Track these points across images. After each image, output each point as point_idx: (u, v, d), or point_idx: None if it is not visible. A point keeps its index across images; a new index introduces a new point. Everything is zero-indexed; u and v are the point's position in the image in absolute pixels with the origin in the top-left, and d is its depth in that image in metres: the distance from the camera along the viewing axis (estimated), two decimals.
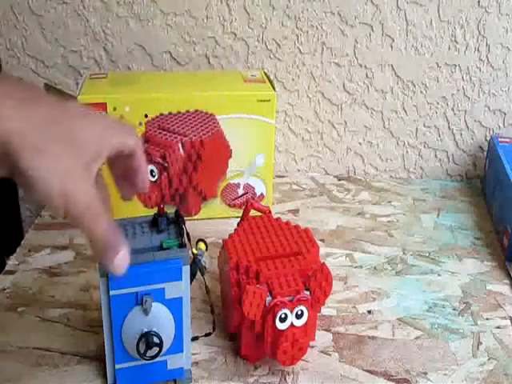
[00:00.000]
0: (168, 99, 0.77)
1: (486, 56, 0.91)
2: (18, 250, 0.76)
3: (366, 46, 0.91)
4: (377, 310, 0.69)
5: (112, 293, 0.51)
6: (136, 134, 0.50)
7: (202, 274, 0.60)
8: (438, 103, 0.94)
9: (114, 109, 0.75)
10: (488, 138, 0.96)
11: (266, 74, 0.84)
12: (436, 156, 0.98)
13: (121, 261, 0.46)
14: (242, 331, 0.59)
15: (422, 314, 0.68)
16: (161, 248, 0.53)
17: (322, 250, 0.76)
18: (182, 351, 0.56)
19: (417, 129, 0.96)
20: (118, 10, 0.89)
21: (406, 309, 0.69)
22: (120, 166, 0.52)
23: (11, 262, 0.73)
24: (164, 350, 0.54)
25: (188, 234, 0.55)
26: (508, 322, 0.68)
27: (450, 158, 0.98)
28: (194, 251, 0.62)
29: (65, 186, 0.42)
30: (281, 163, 0.98)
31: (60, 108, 0.45)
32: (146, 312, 0.52)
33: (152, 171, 0.78)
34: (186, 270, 0.53)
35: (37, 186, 0.41)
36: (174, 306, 0.53)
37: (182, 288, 0.53)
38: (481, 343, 0.64)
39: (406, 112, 0.95)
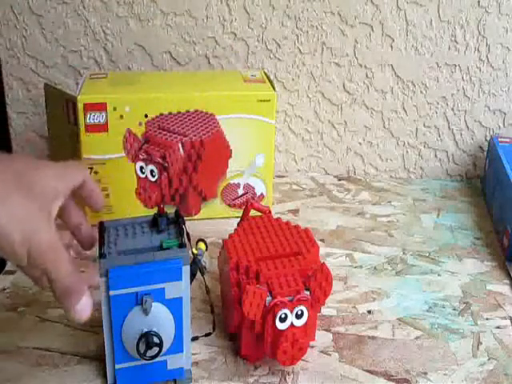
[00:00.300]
0: (168, 99, 0.77)
1: (486, 56, 0.91)
2: None
3: (365, 46, 0.91)
4: (377, 310, 0.69)
5: (112, 293, 0.51)
6: (83, 167, 0.56)
7: (202, 274, 0.60)
8: (437, 103, 0.94)
9: (114, 109, 0.75)
10: (488, 138, 0.96)
11: (266, 74, 0.84)
12: (436, 156, 0.98)
13: (83, 306, 0.47)
14: (242, 331, 0.59)
15: (422, 314, 0.68)
16: (161, 248, 0.53)
17: (322, 250, 0.76)
18: (181, 351, 0.56)
19: (417, 129, 0.96)
20: (118, 9, 0.89)
21: (405, 309, 0.69)
22: (77, 195, 0.54)
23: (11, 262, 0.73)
24: (164, 349, 0.54)
25: (188, 233, 0.55)
26: (508, 321, 0.68)
27: (450, 158, 0.98)
28: (194, 251, 0.62)
29: (26, 228, 0.43)
30: (281, 163, 0.98)
31: (12, 162, 0.47)
32: (145, 312, 0.52)
33: (152, 171, 0.78)
34: (186, 270, 0.53)
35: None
36: (174, 306, 0.53)
37: (181, 288, 0.53)
38: (481, 343, 0.64)
39: (405, 112, 0.95)
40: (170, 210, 0.56)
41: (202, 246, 0.71)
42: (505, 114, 0.95)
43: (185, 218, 0.56)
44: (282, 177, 0.96)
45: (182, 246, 0.53)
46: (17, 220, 0.43)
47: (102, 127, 0.75)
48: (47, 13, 0.89)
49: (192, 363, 0.58)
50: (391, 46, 0.91)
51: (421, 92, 0.93)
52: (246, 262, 0.58)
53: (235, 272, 0.59)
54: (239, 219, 0.67)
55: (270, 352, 0.57)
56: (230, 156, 0.81)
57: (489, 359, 0.62)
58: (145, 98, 0.76)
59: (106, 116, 0.75)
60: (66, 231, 0.55)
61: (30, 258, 0.44)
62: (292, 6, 0.88)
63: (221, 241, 0.63)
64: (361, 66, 0.92)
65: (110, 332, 0.53)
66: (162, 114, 0.77)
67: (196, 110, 0.77)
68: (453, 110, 0.94)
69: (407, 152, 0.97)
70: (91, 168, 0.76)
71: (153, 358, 0.53)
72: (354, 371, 0.60)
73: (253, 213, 0.67)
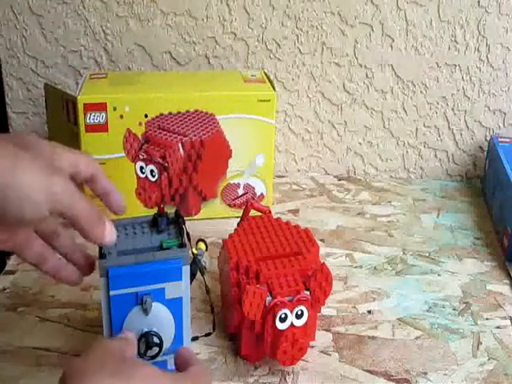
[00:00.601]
0: (168, 99, 0.77)
1: (486, 56, 0.91)
2: None
3: (366, 46, 0.91)
4: (377, 310, 0.69)
5: (112, 293, 0.51)
6: (94, 159, 0.54)
7: (202, 274, 0.60)
8: (437, 103, 0.94)
9: (114, 109, 0.75)
10: (488, 138, 0.96)
11: (266, 74, 0.84)
12: (436, 156, 0.98)
13: (110, 229, 0.50)
14: (242, 331, 0.59)
15: (422, 314, 0.68)
16: (161, 248, 0.53)
17: (322, 250, 0.76)
18: None
19: (417, 129, 0.96)
20: (118, 9, 0.89)
21: (405, 309, 0.69)
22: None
23: (11, 262, 0.73)
24: (164, 349, 0.54)
25: (188, 233, 0.55)
26: (508, 321, 0.68)
27: (450, 158, 0.98)
28: (194, 251, 0.62)
29: (44, 184, 0.45)
30: (281, 163, 0.98)
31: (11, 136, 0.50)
32: (146, 312, 0.52)
33: (152, 171, 0.78)
34: (186, 270, 0.53)
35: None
36: (174, 306, 0.53)
37: (182, 288, 0.53)
38: (481, 343, 0.64)
39: (406, 112, 0.95)
40: (170, 210, 0.56)
41: (202, 246, 0.71)
42: (505, 114, 0.95)
43: (185, 218, 0.56)
44: (282, 177, 0.96)
45: (182, 245, 0.53)
46: (35, 180, 0.44)
47: (102, 127, 0.75)
48: (47, 13, 0.89)
49: None
50: (391, 46, 0.91)
51: (421, 92, 0.93)
52: (245, 262, 0.58)
53: (235, 272, 0.59)
54: (239, 219, 0.67)
55: (269, 352, 0.57)
56: (230, 156, 0.81)
57: (489, 359, 0.62)
58: (145, 97, 0.76)
59: (106, 116, 0.75)
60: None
61: (52, 207, 0.46)
62: (292, 6, 0.88)
63: (221, 241, 0.63)
64: (361, 66, 0.92)
65: (110, 332, 0.53)
66: (161, 114, 0.77)
67: (196, 110, 0.77)
68: (453, 110, 0.94)
69: (407, 152, 0.97)
70: None
71: (153, 357, 0.53)
72: (353, 371, 0.60)
73: (253, 213, 0.67)
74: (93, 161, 0.53)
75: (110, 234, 0.50)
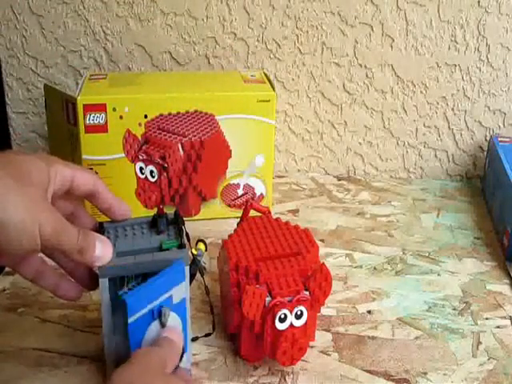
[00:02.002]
0: (168, 100, 0.77)
1: (486, 56, 0.91)
2: None
3: (366, 45, 0.91)
4: (377, 310, 0.69)
5: (131, 319, 0.49)
6: (93, 173, 0.54)
7: (202, 275, 0.60)
8: (437, 103, 0.94)
9: (114, 109, 0.75)
10: (488, 138, 0.96)
11: (265, 74, 0.84)
12: (436, 156, 0.98)
13: (101, 252, 0.50)
14: (242, 331, 0.59)
15: (422, 314, 0.68)
16: (160, 249, 0.53)
17: (322, 250, 0.76)
18: None
19: (417, 129, 0.96)
20: (118, 9, 0.89)
21: (405, 309, 0.69)
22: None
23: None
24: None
25: (187, 234, 0.55)
26: (508, 321, 0.68)
27: (450, 158, 0.98)
28: (194, 252, 0.62)
29: (32, 213, 0.45)
30: (281, 163, 0.98)
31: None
32: (163, 324, 0.51)
33: (152, 172, 0.78)
34: (187, 271, 0.53)
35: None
36: (180, 308, 0.53)
37: (184, 289, 0.53)
38: (481, 343, 0.64)
39: (405, 112, 0.95)
40: (170, 211, 0.56)
41: (201, 246, 0.71)
42: (505, 114, 0.95)
43: (184, 219, 0.56)
44: (282, 177, 0.96)
45: (181, 246, 0.53)
46: (22, 208, 0.45)
47: (102, 128, 0.75)
48: (47, 13, 0.89)
49: (192, 363, 0.58)
50: (391, 46, 0.91)
51: (421, 92, 0.93)
52: (245, 262, 0.58)
53: (235, 272, 0.59)
54: (239, 219, 0.67)
55: (269, 352, 0.57)
56: (230, 156, 0.81)
57: (489, 359, 0.62)
58: (144, 98, 0.76)
59: (106, 117, 0.75)
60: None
61: (43, 240, 0.46)
62: (292, 6, 0.88)
63: (220, 241, 0.63)
64: (361, 66, 0.92)
65: (110, 332, 0.53)
66: (161, 115, 0.77)
67: (196, 111, 0.78)
68: (453, 109, 0.94)
69: (407, 152, 0.97)
70: (91, 169, 0.76)
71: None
72: (353, 371, 0.60)
73: (252, 213, 0.67)
74: (90, 175, 0.53)
75: (102, 258, 0.50)
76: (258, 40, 0.91)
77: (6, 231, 0.44)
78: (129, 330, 0.49)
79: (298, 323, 0.57)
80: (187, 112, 0.77)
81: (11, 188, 0.45)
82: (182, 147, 0.78)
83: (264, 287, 0.56)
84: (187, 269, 0.53)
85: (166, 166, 0.78)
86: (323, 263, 0.57)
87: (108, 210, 0.54)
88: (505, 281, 0.74)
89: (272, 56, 0.91)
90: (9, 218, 0.44)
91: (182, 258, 0.52)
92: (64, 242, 0.47)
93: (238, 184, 0.83)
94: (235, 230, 0.64)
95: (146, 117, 0.76)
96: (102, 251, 0.50)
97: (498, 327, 0.67)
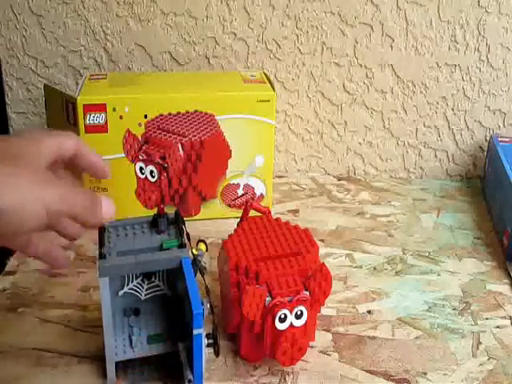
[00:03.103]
0: (168, 100, 0.77)
1: (486, 56, 0.91)
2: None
3: (366, 46, 0.91)
4: (377, 310, 0.69)
5: (196, 332, 0.50)
6: (75, 137, 0.54)
7: (202, 275, 0.60)
8: (437, 103, 0.94)
9: (114, 109, 0.75)
10: (488, 138, 0.96)
11: (265, 74, 0.84)
12: (436, 156, 0.98)
13: (106, 207, 0.50)
14: (242, 331, 0.59)
15: (422, 314, 0.68)
16: (161, 248, 0.53)
17: (322, 250, 0.76)
18: None
19: (417, 129, 0.96)
20: (118, 9, 0.89)
21: (405, 309, 0.69)
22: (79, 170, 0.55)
23: (11, 263, 0.73)
24: None
25: (188, 234, 0.55)
26: (508, 321, 0.68)
27: (450, 157, 0.98)
28: (194, 252, 0.62)
29: (36, 195, 0.45)
30: (281, 163, 0.98)
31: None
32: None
33: (152, 172, 0.78)
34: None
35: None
36: None
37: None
38: (481, 343, 0.64)
39: (405, 112, 0.95)
40: (170, 211, 0.56)
41: (202, 246, 0.71)
42: (505, 114, 0.95)
43: (184, 219, 0.56)
44: (282, 177, 0.96)
45: (182, 246, 0.53)
46: (21, 192, 0.45)
47: (102, 128, 0.75)
48: (47, 13, 0.89)
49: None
50: (391, 46, 0.91)
51: (421, 92, 0.93)
52: (245, 262, 0.58)
53: (235, 272, 0.59)
54: (239, 219, 0.67)
55: (269, 352, 0.57)
56: (230, 156, 0.81)
57: (489, 359, 0.62)
58: (144, 98, 0.76)
59: (106, 117, 0.75)
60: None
61: (54, 212, 0.46)
62: (292, 6, 0.88)
63: (220, 241, 0.63)
64: (361, 66, 0.92)
65: (110, 332, 0.53)
66: (161, 115, 0.77)
67: (196, 111, 0.78)
68: (453, 109, 0.94)
69: (407, 152, 0.97)
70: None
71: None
72: (353, 371, 0.60)
73: (252, 213, 0.67)
74: (72, 138, 0.53)
75: (106, 214, 0.51)
76: (258, 40, 0.91)
77: (7, 218, 0.44)
78: (195, 341, 0.50)
79: (298, 323, 0.57)
80: (187, 112, 0.77)
81: (6, 175, 0.45)
82: (182, 147, 0.78)
83: (264, 287, 0.56)
84: None
85: (166, 165, 0.78)
86: (323, 263, 0.57)
87: (90, 167, 0.55)
88: (505, 281, 0.74)
89: (272, 56, 0.91)
90: (9, 204, 0.44)
91: (186, 256, 0.52)
92: (76, 205, 0.48)
93: (237, 184, 0.83)
94: (235, 230, 0.64)
95: (145, 117, 0.76)
96: (107, 207, 0.51)
97: (498, 327, 0.67)
